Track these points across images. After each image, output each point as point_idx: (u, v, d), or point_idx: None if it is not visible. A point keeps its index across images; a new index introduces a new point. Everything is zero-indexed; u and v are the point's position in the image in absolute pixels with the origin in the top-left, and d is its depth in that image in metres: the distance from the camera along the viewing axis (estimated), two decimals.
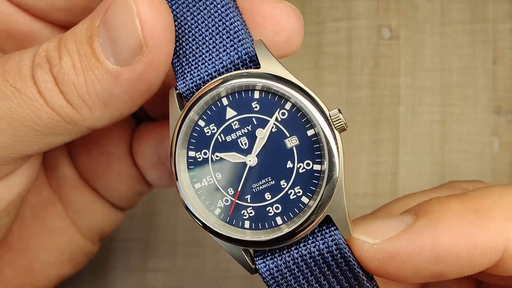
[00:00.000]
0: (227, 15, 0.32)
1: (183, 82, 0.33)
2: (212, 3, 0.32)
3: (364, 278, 0.31)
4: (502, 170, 0.51)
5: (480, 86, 0.51)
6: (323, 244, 0.31)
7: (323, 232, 0.31)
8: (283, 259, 0.31)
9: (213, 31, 0.32)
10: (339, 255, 0.31)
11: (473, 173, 0.50)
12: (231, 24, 0.32)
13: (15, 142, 0.32)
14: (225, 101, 0.32)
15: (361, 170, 0.52)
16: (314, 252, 0.31)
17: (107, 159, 0.43)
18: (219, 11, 0.32)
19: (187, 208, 0.32)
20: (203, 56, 0.33)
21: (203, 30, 0.33)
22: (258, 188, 0.31)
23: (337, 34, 0.53)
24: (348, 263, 0.31)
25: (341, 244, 0.31)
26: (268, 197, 0.31)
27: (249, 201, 0.32)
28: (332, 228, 0.31)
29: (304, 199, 0.31)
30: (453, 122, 0.51)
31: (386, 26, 0.53)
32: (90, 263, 0.46)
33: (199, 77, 0.32)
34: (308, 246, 0.31)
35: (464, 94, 0.51)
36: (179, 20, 0.33)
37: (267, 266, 0.32)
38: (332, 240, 0.31)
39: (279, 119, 0.31)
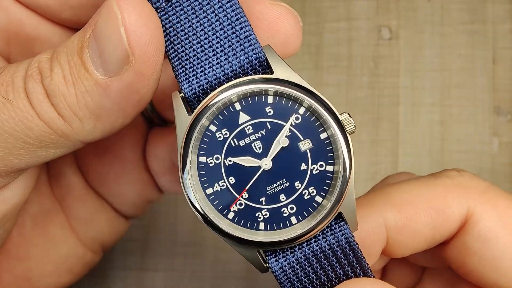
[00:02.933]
0: (237, 19, 0.32)
1: (189, 86, 0.32)
2: (221, 7, 0.32)
3: (368, 266, 0.33)
4: (501, 170, 0.51)
5: (479, 86, 0.51)
6: (333, 239, 0.32)
7: (333, 228, 0.33)
8: (295, 256, 0.32)
9: (220, 34, 0.32)
10: (348, 247, 0.32)
11: (472, 173, 0.50)
12: (241, 28, 0.32)
13: (6, 155, 0.31)
14: (237, 106, 0.32)
15: (361, 170, 0.52)
16: (325, 247, 0.32)
17: (120, 164, 0.42)
18: (228, 15, 0.32)
19: (200, 213, 0.32)
20: (210, 59, 0.32)
21: (210, 33, 0.32)
22: (273, 190, 0.32)
23: (337, 34, 0.53)
24: (356, 254, 0.32)
25: (351, 238, 0.32)
26: (283, 198, 0.32)
27: (264, 203, 0.32)
28: (342, 224, 0.33)
29: (318, 199, 0.32)
30: (452, 122, 0.51)
31: (386, 27, 0.53)
32: None
33: (206, 80, 0.32)
34: (319, 242, 0.32)
35: (463, 94, 0.51)
36: (182, 22, 0.32)
37: (279, 264, 0.32)
38: (342, 235, 0.32)
39: (293, 123, 0.32)
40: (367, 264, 0.33)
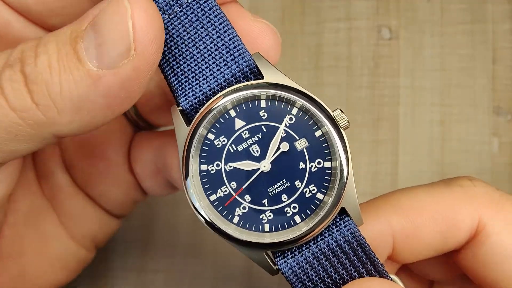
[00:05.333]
0: (225, 32, 0.34)
1: (186, 99, 0.34)
2: (209, 21, 0.34)
3: (378, 261, 0.33)
4: (501, 170, 0.51)
5: (479, 86, 0.51)
6: (339, 235, 0.33)
7: (338, 224, 0.33)
8: (303, 255, 0.33)
9: (211, 47, 0.33)
10: (355, 242, 0.33)
11: (472, 173, 0.50)
12: (230, 40, 0.33)
13: None
14: (232, 113, 0.33)
15: (361, 170, 0.52)
16: (332, 244, 0.33)
17: (104, 165, 0.43)
18: (216, 29, 0.34)
19: (206, 221, 0.33)
20: (203, 72, 0.34)
21: (201, 47, 0.34)
22: (274, 191, 0.33)
23: (337, 34, 0.53)
24: (364, 249, 0.33)
25: (356, 232, 0.33)
26: (285, 198, 0.33)
27: (266, 205, 0.33)
28: (346, 219, 0.33)
29: (319, 196, 0.33)
30: (452, 122, 0.51)
31: (386, 27, 0.53)
32: (89, 264, 0.46)
33: (202, 92, 0.33)
34: (326, 239, 0.33)
35: (463, 94, 0.51)
36: (175, 40, 0.34)
37: (289, 264, 0.33)
38: (348, 230, 0.33)
39: (288, 124, 0.33)
40: (378, 259, 0.33)
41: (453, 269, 0.39)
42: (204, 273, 0.51)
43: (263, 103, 0.33)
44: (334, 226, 0.33)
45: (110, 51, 0.30)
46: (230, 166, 0.33)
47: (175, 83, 0.34)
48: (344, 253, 0.33)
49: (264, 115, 0.33)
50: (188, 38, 0.34)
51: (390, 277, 0.34)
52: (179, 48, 0.34)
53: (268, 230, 0.33)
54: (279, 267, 0.33)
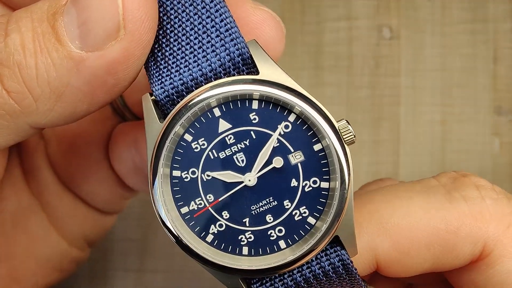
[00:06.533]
0: (216, 11, 0.28)
1: (161, 88, 0.28)
2: None
3: (363, 284, 0.30)
4: (502, 170, 0.51)
5: (480, 86, 0.51)
6: (328, 265, 0.29)
7: (328, 252, 0.29)
8: (284, 284, 0.29)
9: (199, 29, 0.28)
10: (344, 272, 0.29)
11: (473, 173, 0.50)
12: (221, 21, 0.28)
13: None
14: (217, 112, 0.28)
15: (361, 170, 0.51)
16: (318, 273, 0.29)
17: (85, 162, 0.39)
18: (207, 7, 0.28)
19: (174, 236, 0.28)
20: (186, 58, 0.28)
21: (188, 28, 0.28)
22: (258, 210, 0.28)
23: (337, 34, 0.53)
24: (352, 276, 0.29)
25: (348, 262, 0.29)
26: (270, 219, 0.28)
27: (247, 224, 0.28)
28: (338, 248, 0.29)
29: (311, 220, 0.28)
30: (453, 122, 0.51)
31: (387, 26, 0.53)
32: (88, 264, 0.45)
33: (181, 81, 0.28)
34: (312, 268, 0.29)
35: (464, 94, 0.51)
36: (161, 20, 0.28)
37: None
38: (339, 261, 0.28)
39: (282, 133, 0.28)
40: (362, 280, 0.29)
41: (434, 275, 0.34)
42: (204, 273, 0.51)
43: (255, 104, 0.28)
44: (323, 254, 0.28)
45: (95, 30, 0.26)
46: (208, 176, 0.28)
47: (152, 68, 0.28)
48: (328, 280, 0.29)
49: (255, 119, 0.28)
50: (175, 18, 0.28)
51: None
52: (163, 27, 0.28)
53: (246, 253, 0.28)
54: None
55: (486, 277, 0.30)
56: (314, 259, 0.28)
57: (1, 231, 0.38)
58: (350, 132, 0.28)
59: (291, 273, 0.29)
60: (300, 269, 0.29)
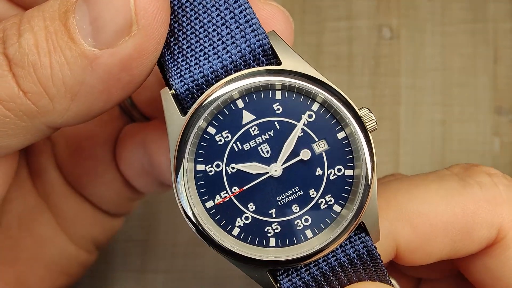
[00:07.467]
0: (235, 2, 0.28)
1: (181, 81, 0.28)
2: None
3: (386, 272, 0.30)
4: (502, 170, 0.50)
5: (481, 85, 0.51)
6: (353, 252, 0.29)
7: (352, 239, 0.29)
8: (310, 273, 0.29)
9: (217, 21, 0.28)
10: (368, 258, 0.29)
11: None
12: (240, 12, 0.28)
13: None
14: (240, 104, 0.28)
15: None
16: (343, 261, 0.29)
17: (92, 164, 0.39)
18: None
19: (199, 230, 0.28)
20: (205, 50, 0.28)
21: (205, 21, 0.28)
22: (284, 200, 0.28)
23: (338, 33, 0.53)
24: (376, 263, 0.29)
25: (372, 248, 0.29)
26: (296, 209, 0.28)
27: (274, 216, 0.28)
28: (363, 234, 0.29)
29: (336, 208, 0.28)
30: (454, 122, 0.51)
31: (387, 26, 0.52)
32: None
33: (201, 74, 0.28)
34: (337, 256, 0.29)
35: (465, 94, 0.51)
36: (176, 13, 0.28)
37: (293, 284, 0.29)
38: (364, 247, 0.29)
39: (306, 122, 0.28)
40: (385, 269, 0.30)
41: (444, 268, 0.35)
42: (204, 273, 0.51)
43: (278, 95, 0.28)
44: (347, 242, 0.29)
45: (108, 26, 0.25)
46: (233, 168, 0.28)
47: (169, 62, 0.28)
48: (353, 267, 0.29)
49: (278, 109, 0.28)
50: (191, 10, 0.28)
51: (391, 281, 0.31)
52: (178, 20, 0.28)
53: (273, 245, 0.28)
54: (281, 286, 0.29)
55: (500, 260, 0.30)
56: (339, 247, 0.29)
57: (8, 234, 0.37)
58: (373, 120, 0.28)
59: (317, 263, 0.29)
60: (326, 257, 0.29)
